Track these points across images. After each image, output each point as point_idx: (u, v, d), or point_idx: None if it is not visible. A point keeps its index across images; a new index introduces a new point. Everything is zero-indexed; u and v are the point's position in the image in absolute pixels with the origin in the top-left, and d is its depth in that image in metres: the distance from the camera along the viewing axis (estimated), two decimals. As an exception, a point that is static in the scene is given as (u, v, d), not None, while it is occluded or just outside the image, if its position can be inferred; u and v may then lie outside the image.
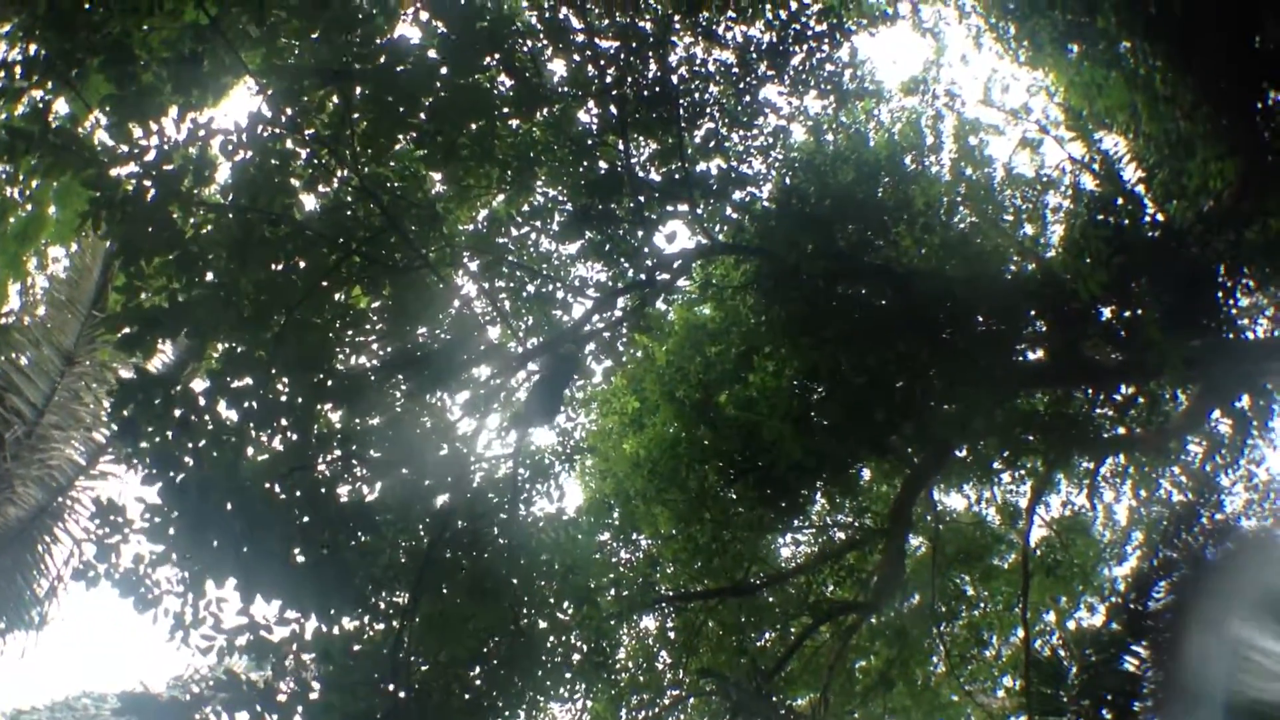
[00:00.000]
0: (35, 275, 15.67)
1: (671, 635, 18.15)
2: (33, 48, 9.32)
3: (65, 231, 13.56)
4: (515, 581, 10.97)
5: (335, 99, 9.57)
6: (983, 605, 20.77)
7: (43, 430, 15.71)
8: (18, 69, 9.51)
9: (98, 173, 8.86)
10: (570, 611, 11.60)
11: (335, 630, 9.80)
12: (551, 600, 11.46)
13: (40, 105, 9.74)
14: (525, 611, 11.13)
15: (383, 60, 9.13)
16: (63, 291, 16.29)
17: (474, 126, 10.40)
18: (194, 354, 9.85)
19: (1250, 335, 15.49)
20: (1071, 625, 20.51)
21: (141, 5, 9.05)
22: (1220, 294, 13.98)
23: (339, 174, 10.01)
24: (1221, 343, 13.81)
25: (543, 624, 11.39)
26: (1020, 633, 19.11)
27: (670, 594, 17.74)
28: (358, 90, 9.30)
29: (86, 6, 9.19)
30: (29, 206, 13.08)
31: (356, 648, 10.13)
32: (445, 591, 10.50)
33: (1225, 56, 11.81)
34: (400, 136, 10.00)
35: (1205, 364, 13.45)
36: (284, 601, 9.20)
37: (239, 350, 9.59)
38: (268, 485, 9.27)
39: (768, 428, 15.02)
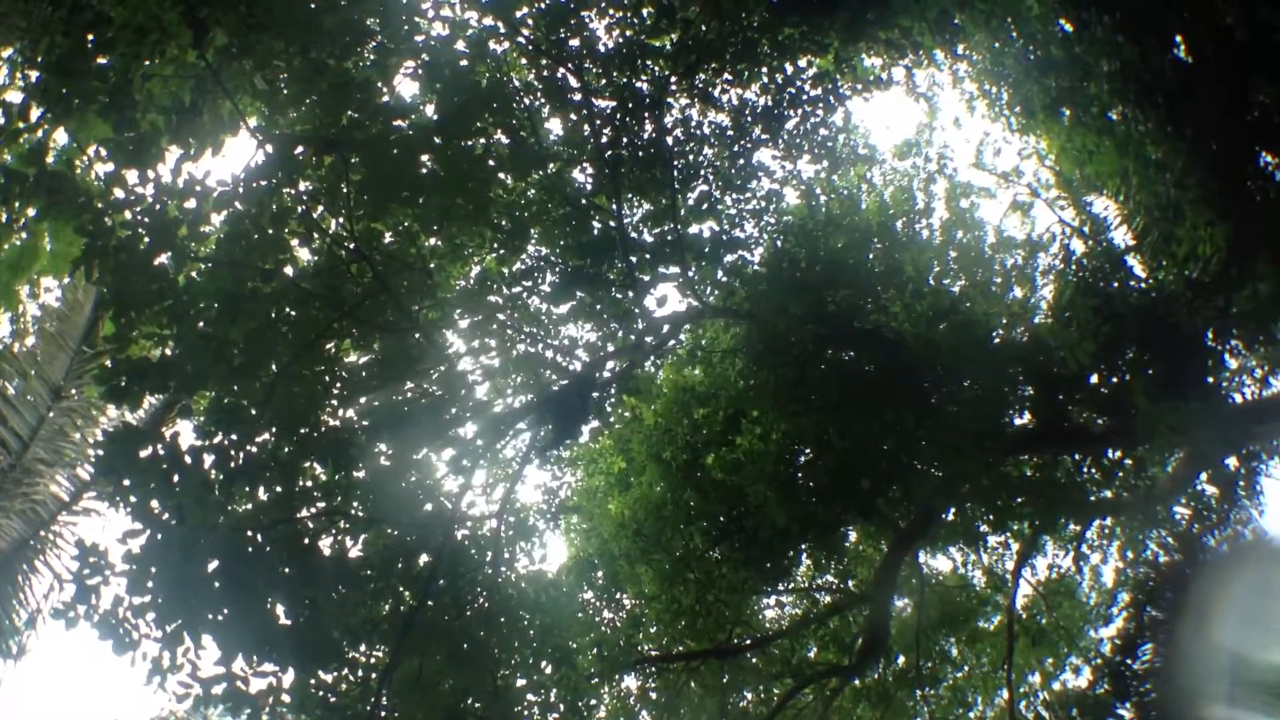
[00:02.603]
0: (26, 304, 15.61)
1: (653, 696, 18.03)
2: (33, 75, 9.41)
3: (59, 263, 13.55)
4: (494, 640, 10.93)
5: (331, 158, 9.67)
6: (967, 667, 20.70)
7: (27, 464, 15.64)
8: (15, 109, 9.63)
9: (92, 219, 8.91)
10: (549, 671, 11.56)
11: (312, 681, 9.77)
12: (531, 659, 11.42)
13: (38, 145, 9.83)
14: (503, 671, 11.08)
15: (378, 129, 9.22)
16: (53, 324, 16.24)
17: (469, 185, 10.50)
18: (182, 409, 9.85)
19: (1237, 398, 15.51)
20: (1056, 687, 20.43)
21: (144, 50, 9.15)
22: (1208, 359, 14.00)
23: (333, 227, 10.07)
24: (1209, 407, 13.79)
25: (521, 682, 11.35)
26: (1005, 694, 19.05)
27: (653, 654, 17.69)
28: (353, 157, 9.39)
29: (89, 45, 9.29)
30: (23, 235, 13.08)
31: (333, 700, 10.09)
32: (424, 652, 10.45)
33: (1217, 120, 11.88)
34: (395, 198, 10.07)
35: (1192, 429, 13.43)
36: (261, 657, 9.18)
37: (226, 402, 9.62)
38: (250, 533, 9.28)
39: (754, 492, 15.04)
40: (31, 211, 10.05)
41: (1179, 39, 12.01)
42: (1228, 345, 14.37)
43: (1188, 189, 12.58)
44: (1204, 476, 16.27)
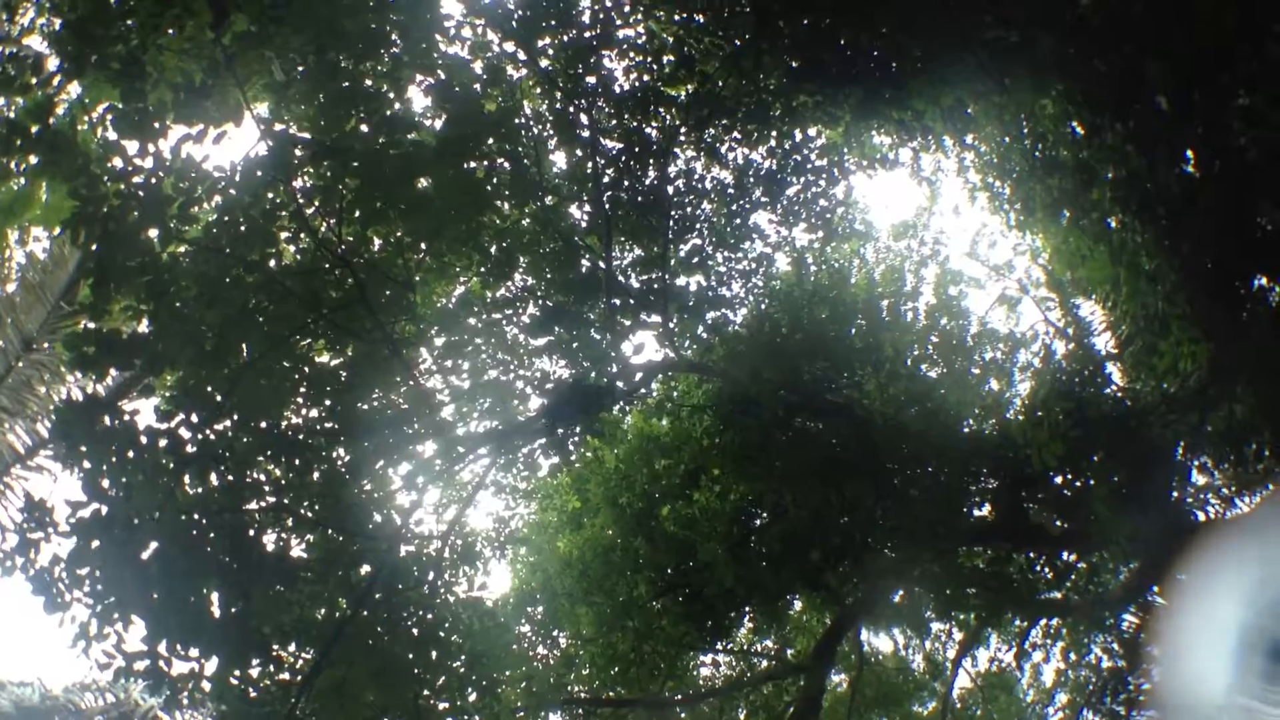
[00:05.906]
0: (13, 250, 15.52)
1: (578, 738, 17.93)
2: (57, 22, 9.41)
3: (51, 215, 13.47)
4: (421, 660, 10.83)
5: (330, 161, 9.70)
6: (895, 750, 20.64)
7: (-12, 410, 15.52)
8: (31, 60, 9.62)
9: (87, 183, 8.92)
10: (473, 698, 11.45)
11: (235, 673, 9.68)
12: (456, 684, 11.31)
13: (46, 100, 9.80)
14: (426, 692, 10.97)
15: (380, 140, 9.26)
16: (36, 275, 16.11)
17: (464, 206, 10.54)
18: (144, 387, 9.80)
19: (1200, 515, 15.53)
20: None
21: (163, 22, 9.17)
22: (1175, 474, 14.01)
23: (322, 229, 10.08)
24: (1170, 521, 13.79)
25: (443, 706, 11.24)
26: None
27: (582, 696, 17.58)
28: (353, 162, 9.43)
29: (112, 5, 9.29)
30: (21, 180, 13.03)
31: (253, 695, 9.99)
32: (351, 662, 10.36)
33: (1216, 238, 11.80)
34: (388, 209, 10.10)
35: (1149, 541, 13.43)
36: (187, 643, 9.11)
37: (191, 385, 9.59)
38: (195, 519, 9.22)
39: (704, 549, 15.03)
40: (33, 159, 10.04)
41: (1189, 153, 12.07)
42: (1197, 462, 14.41)
43: (1176, 304, 12.59)
44: (1156, 589, 16.29)
